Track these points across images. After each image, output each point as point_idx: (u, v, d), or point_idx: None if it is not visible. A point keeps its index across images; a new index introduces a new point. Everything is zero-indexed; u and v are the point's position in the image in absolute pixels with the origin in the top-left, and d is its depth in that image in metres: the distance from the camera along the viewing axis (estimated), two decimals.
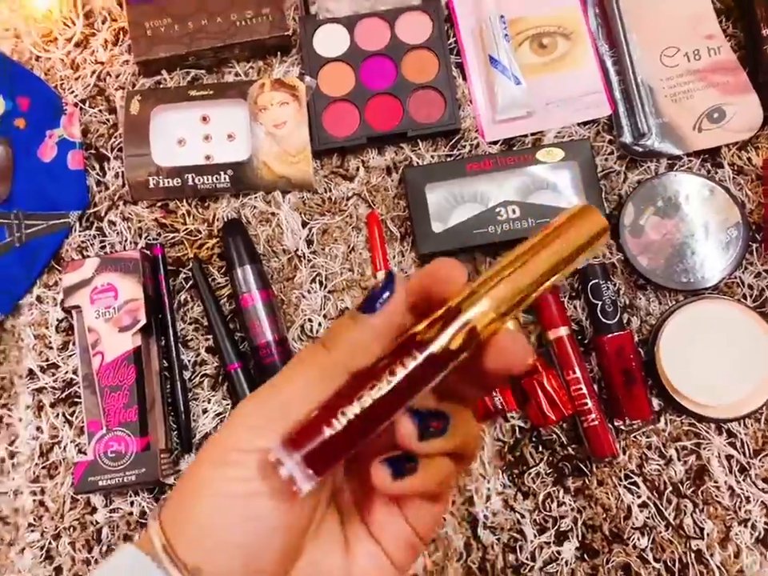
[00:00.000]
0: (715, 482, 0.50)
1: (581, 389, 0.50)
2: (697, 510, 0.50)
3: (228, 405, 0.52)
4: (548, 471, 0.51)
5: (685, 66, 0.56)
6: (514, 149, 0.56)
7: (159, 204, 0.56)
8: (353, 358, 0.24)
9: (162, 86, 0.58)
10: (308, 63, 0.57)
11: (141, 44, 0.56)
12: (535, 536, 0.50)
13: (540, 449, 0.51)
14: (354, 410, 0.23)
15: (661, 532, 0.50)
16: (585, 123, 0.57)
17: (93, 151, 0.57)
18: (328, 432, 0.23)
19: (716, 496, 0.50)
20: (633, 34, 0.57)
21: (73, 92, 0.58)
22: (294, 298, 0.54)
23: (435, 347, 0.23)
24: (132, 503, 0.51)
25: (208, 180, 0.55)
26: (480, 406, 0.49)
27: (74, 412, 0.53)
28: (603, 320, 0.51)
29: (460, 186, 0.54)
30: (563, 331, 0.51)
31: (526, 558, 0.50)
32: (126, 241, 0.56)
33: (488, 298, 0.24)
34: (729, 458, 0.51)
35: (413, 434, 0.24)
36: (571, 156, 0.54)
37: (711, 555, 0.49)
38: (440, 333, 0.23)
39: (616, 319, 0.51)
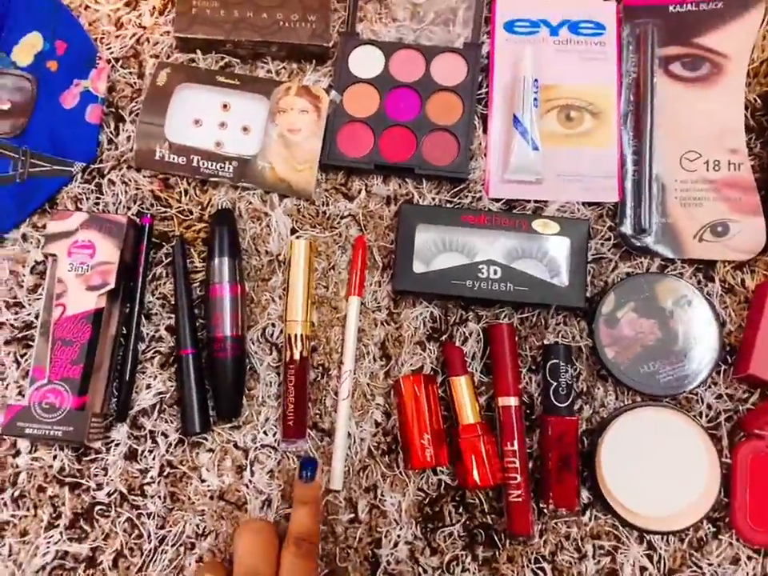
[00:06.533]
0: None
1: (514, 462, 0.50)
2: None
3: (172, 386, 0.53)
4: (462, 534, 0.51)
5: (702, 174, 0.56)
6: (514, 211, 0.56)
7: (160, 176, 0.57)
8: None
9: (193, 64, 0.59)
10: (338, 78, 0.58)
11: (183, 20, 0.57)
12: None
13: (460, 510, 0.51)
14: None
15: None
16: (590, 204, 0.56)
17: (113, 109, 0.58)
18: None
19: None
20: (660, 129, 0.57)
21: (110, 48, 0.60)
22: (264, 300, 0.55)
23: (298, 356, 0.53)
24: (55, 457, 0.52)
25: (212, 166, 0.56)
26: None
27: (24, 354, 0.53)
28: (554, 401, 0.51)
29: (451, 234, 0.54)
30: (513, 401, 0.51)
31: None
32: (119, 203, 0.56)
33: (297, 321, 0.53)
34: (642, 569, 0.50)
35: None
36: (566, 233, 0.54)
37: None
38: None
39: (567, 403, 0.51)
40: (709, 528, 0.50)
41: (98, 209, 0.56)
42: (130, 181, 0.57)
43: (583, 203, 0.56)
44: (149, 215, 0.55)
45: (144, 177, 0.57)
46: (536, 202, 0.56)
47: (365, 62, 0.58)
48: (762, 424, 0.51)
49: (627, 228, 0.56)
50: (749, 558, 0.50)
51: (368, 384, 0.54)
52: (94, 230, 0.53)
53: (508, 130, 0.57)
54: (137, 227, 0.55)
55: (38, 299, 0.54)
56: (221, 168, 0.56)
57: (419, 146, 0.56)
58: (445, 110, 0.57)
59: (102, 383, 0.51)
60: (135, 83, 0.59)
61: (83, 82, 0.58)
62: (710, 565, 0.50)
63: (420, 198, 0.57)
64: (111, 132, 0.58)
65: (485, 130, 0.58)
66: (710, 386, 0.53)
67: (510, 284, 0.53)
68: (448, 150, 0.56)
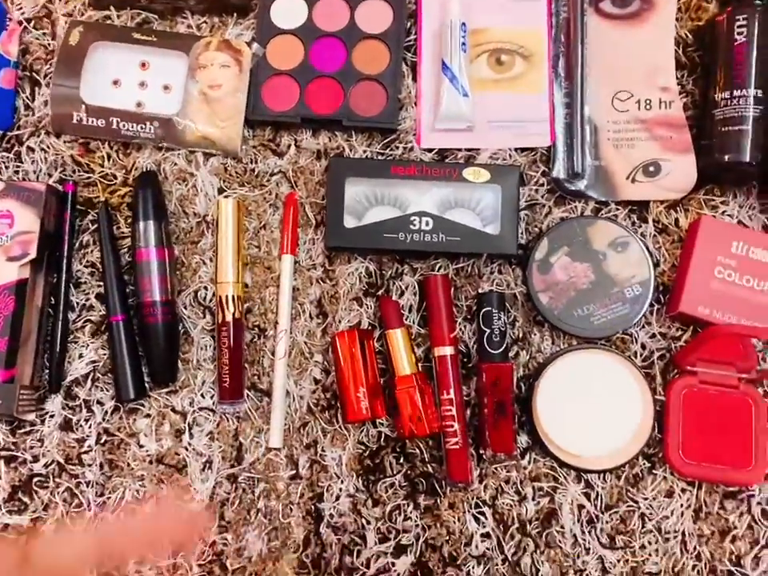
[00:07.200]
0: (561, 527, 0.51)
1: (450, 410, 0.50)
2: (537, 551, 0.51)
3: (104, 355, 0.52)
4: (403, 484, 0.51)
5: (634, 113, 0.55)
6: (446, 161, 0.55)
7: (81, 141, 0.55)
8: None
9: (108, 21, 0.56)
10: (260, 30, 0.56)
11: None
12: (375, 543, 0.51)
13: (401, 460, 0.52)
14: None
15: (497, 564, 0.50)
16: (524, 150, 0.56)
17: (27, 73, 0.56)
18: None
19: (559, 541, 0.51)
20: (591, 70, 0.56)
21: (20, 8, 0.57)
22: (195, 263, 0.54)
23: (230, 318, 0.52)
24: None
25: (133, 127, 0.54)
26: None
27: None
28: (488, 348, 0.51)
29: (381, 187, 0.53)
30: (448, 351, 0.51)
31: (362, 564, 0.50)
32: (40, 171, 0.55)
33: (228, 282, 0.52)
34: (580, 507, 0.51)
35: None
36: (497, 180, 0.53)
37: None
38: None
39: (500, 350, 0.51)
40: (644, 464, 0.51)
41: (18, 178, 0.55)
42: (49, 147, 0.55)
43: (516, 149, 0.56)
44: (71, 182, 0.54)
45: (64, 142, 0.55)
46: (468, 150, 0.55)
47: (287, 12, 0.56)
48: (694, 360, 0.51)
49: (560, 173, 0.55)
50: (683, 490, 0.51)
51: (305, 342, 0.53)
52: (11, 199, 0.51)
53: (437, 77, 0.56)
54: (59, 195, 0.53)
55: None
56: (142, 129, 0.54)
57: (346, 96, 0.55)
58: (371, 59, 0.56)
59: (30, 355, 0.50)
60: (49, 44, 0.56)
61: None
62: (645, 499, 0.51)
63: (351, 151, 0.55)
64: (27, 97, 0.56)
65: (414, 78, 0.57)
66: (643, 326, 0.53)
67: (442, 235, 0.52)
68: (376, 100, 0.55)
